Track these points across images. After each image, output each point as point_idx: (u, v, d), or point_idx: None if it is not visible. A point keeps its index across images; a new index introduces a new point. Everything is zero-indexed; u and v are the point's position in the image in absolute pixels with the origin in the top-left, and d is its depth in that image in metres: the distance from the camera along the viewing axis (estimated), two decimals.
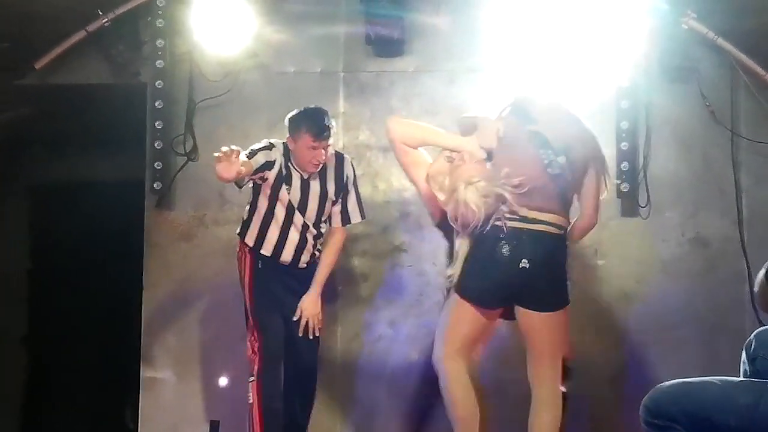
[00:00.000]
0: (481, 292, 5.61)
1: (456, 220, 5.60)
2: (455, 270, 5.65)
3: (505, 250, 5.50)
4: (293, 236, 6.49)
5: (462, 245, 5.63)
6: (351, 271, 7.36)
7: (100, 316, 8.39)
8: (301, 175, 6.48)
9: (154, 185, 7.48)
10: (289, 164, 6.46)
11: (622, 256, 7.20)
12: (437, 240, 7.26)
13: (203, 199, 7.52)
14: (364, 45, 7.46)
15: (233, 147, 5.94)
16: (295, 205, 6.48)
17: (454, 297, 5.67)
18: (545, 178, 5.59)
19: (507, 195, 5.48)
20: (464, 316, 5.64)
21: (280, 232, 6.50)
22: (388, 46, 7.43)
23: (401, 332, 7.30)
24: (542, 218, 5.55)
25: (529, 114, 5.74)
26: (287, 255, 6.51)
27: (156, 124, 7.48)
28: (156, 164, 7.47)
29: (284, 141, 6.48)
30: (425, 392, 7.10)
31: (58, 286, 8.55)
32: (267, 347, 6.48)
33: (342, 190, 6.59)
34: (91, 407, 8.53)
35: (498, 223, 5.51)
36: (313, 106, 6.49)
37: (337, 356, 7.32)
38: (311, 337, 6.51)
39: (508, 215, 5.49)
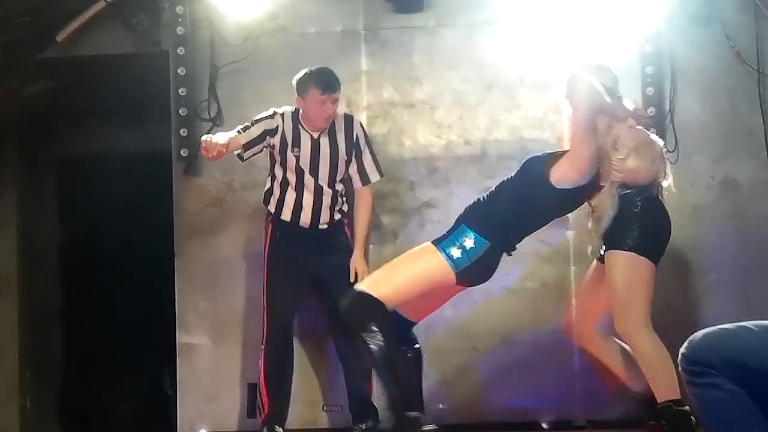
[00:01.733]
0: (660, 248, 5.68)
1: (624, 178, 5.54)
2: (603, 228, 5.55)
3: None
4: (308, 199, 6.64)
5: (605, 205, 5.54)
6: (381, 230, 7.37)
7: (134, 284, 8.43)
8: (311, 135, 6.62)
9: (181, 152, 7.51)
10: (299, 126, 6.62)
11: None
12: (465, 194, 7.26)
13: (230, 164, 7.51)
14: (384, 2, 7.44)
15: (209, 137, 6.25)
16: (305, 168, 6.63)
17: (640, 260, 5.59)
18: None
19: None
20: (652, 277, 5.63)
21: (296, 196, 6.66)
22: (407, 2, 7.41)
23: None
24: None
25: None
26: (305, 218, 6.66)
27: (180, 91, 7.49)
28: (182, 131, 7.49)
29: (292, 108, 6.66)
30: (461, 347, 7.14)
31: (91, 256, 8.59)
32: (273, 318, 6.72)
33: (354, 149, 6.70)
34: (130, 376, 8.59)
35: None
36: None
37: None
38: None
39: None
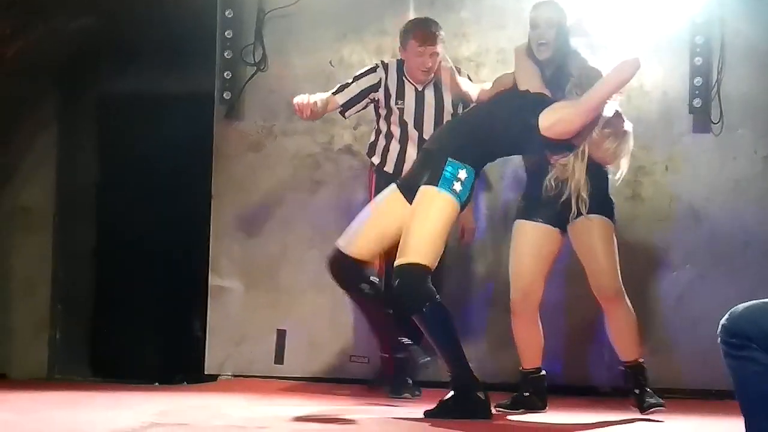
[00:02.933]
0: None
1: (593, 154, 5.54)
2: (584, 194, 5.57)
3: None
4: (411, 152, 6.54)
5: (578, 169, 5.53)
6: None
7: (169, 226, 8.45)
8: (415, 87, 6.61)
9: (224, 95, 7.51)
10: (403, 78, 6.61)
11: (693, 173, 7.14)
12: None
13: (272, 110, 7.53)
14: None
15: (303, 97, 6.11)
16: (410, 120, 6.60)
17: (609, 224, 5.75)
18: None
19: None
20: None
21: (399, 148, 6.64)
22: None
23: None
24: None
25: None
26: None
27: (226, 33, 7.49)
28: (225, 74, 7.49)
29: (397, 59, 6.67)
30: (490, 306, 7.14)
31: (127, 197, 8.61)
32: None
33: (461, 102, 6.57)
34: (160, 316, 8.63)
35: None
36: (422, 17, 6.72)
37: None
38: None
39: None
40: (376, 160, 6.72)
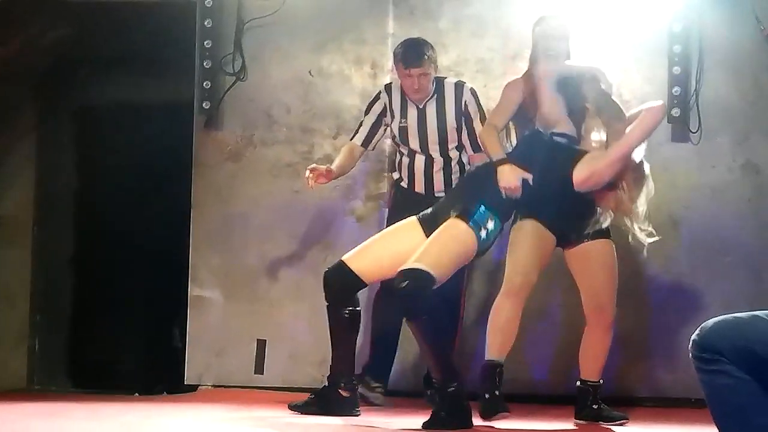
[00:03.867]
0: None
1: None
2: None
3: None
4: (419, 166, 6.77)
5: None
6: None
7: (149, 235, 8.44)
8: (416, 105, 6.73)
9: (203, 105, 7.50)
10: (405, 96, 6.74)
11: (672, 182, 7.16)
12: None
13: (251, 119, 7.53)
14: None
15: (316, 166, 6.47)
16: (414, 137, 6.74)
17: (611, 245, 5.93)
18: None
19: None
20: None
21: (408, 163, 6.81)
22: None
23: None
24: None
25: None
26: (419, 185, 6.80)
27: (205, 43, 7.48)
28: (205, 83, 7.48)
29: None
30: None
31: (106, 206, 8.60)
32: None
33: (463, 116, 6.72)
34: (139, 327, 8.61)
35: None
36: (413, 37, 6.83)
37: None
38: None
39: None
40: (395, 175, 6.94)
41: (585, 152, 5.60)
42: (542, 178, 5.52)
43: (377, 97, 6.85)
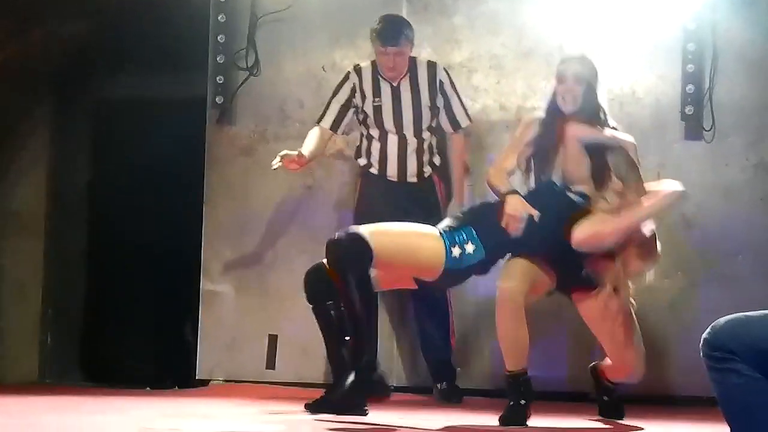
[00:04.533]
0: None
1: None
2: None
3: None
4: (392, 148, 6.70)
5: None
6: None
7: (161, 230, 8.45)
8: (390, 83, 6.68)
9: (216, 99, 7.51)
10: (378, 76, 6.70)
11: (684, 180, 7.05)
12: None
13: (264, 114, 7.54)
14: None
15: (287, 152, 6.36)
16: (388, 116, 6.68)
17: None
18: None
19: None
20: None
21: (380, 146, 6.73)
22: None
23: None
24: None
25: None
26: (392, 169, 6.72)
27: (218, 38, 7.49)
28: (218, 78, 7.49)
29: (371, 59, 6.79)
30: (483, 311, 7.13)
31: (119, 201, 8.61)
32: None
33: (440, 94, 6.72)
34: (151, 321, 8.62)
35: None
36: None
37: None
38: None
39: None
40: (361, 161, 6.83)
41: (588, 211, 5.45)
42: (545, 227, 5.41)
43: (346, 78, 6.79)
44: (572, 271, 5.47)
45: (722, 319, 3.18)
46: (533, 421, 5.39)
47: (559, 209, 5.43)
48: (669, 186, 5.51)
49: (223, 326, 7.49)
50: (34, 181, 8.46)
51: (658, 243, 5.52)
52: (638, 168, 5.57)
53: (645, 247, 5.44)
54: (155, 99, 8.39)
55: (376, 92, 6.69)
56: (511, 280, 5.38)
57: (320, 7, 7.49)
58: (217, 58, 7.49)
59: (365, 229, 5.33)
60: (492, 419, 5.40)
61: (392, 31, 6.57)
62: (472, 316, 7.14)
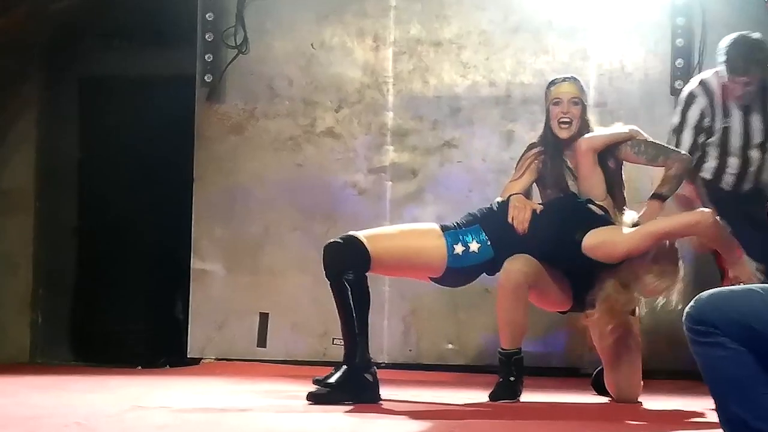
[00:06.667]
0: None
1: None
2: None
3: None
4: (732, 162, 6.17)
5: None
6: (400, 166, 7.36)
7: (151, 207, 8.43)
8: (737, 106, 6.05)
9: (205, 78, 7.51)
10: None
11: None
12: (488, 136, 7.27)
13: (253, 92, 7.53)
14: None
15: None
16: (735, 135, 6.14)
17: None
18: None
19: None
20: None
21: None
22: None
23: None
24: None
25: None
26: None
27: (207, 15, 7.49)
28: (207, 56, 7.49)
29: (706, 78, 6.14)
30: (474, 289, 7.13)
31: (109, 178, 8.59)
32: None
33: None
34: (142, 299, 8.61)
35: None
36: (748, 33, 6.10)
37: None
38: None
39: None
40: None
41: (610, 223, 5.38)
42: (559, 235, 5.36)
43: (694, 98, 6.08)
44: (587, 289, 5.37)
45: (705, 293, 3.19)
46: (524, 397, 5.40)
47: (578, 221, 5.38)
48: (701, 211, 5.39)
49: (214, 304, 7.50)
50: (23, 156, 8.42)
51: (680, 265, 5.34)
52: (659, 143, 5.61)
53: (660, 261, 5.29)
54: (144, 77, 8.37)
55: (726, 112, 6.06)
56: (517, 262, 5.34)
57: None
58: (206, 36, 7.48)
59: (362, 233, 5.32)
60: (482, 395, 5.41)
61: (747, 60, 5.91)
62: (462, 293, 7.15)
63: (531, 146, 5.73)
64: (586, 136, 5.56)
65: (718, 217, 5.34)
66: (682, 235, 5.38)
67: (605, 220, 5.38)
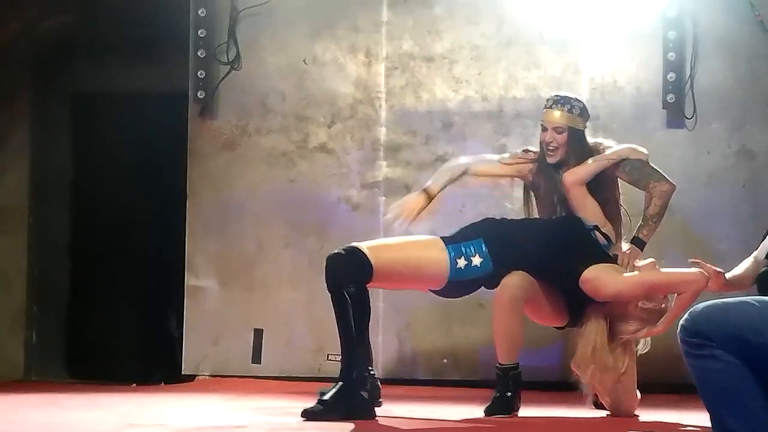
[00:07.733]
0: None
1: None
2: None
3: None
4: None
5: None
6: (394, 181, 7.37)
7: (144, 224, 8.43)
8: None
9: (198, 94, 7.51)
10: None
11: (667, 168, 7.09)
12: (480, 151, 7.24)
13: (246, 108, 7.54)
14: None
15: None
16: None
17: None
18: None
19: None
20: None
21: None
22: None
23: None
24: None
25: None
26: None
27: (199, 32, 7.49)
28: (199, 73, 7.49)
29: None
30: (468, 303, 7.14)
31: (102, 195, 8.58)
32: None
33: None
34: (136, 316, 8.60)
35: None
36: None
37: None
38: None
39: None
40: None
41: (611, 262, 5.39)
42: (561, 260, 5.34)
43: None
44: (583, 306, 5.39)
45: (700, 306, 3.20)
46: (520, 411, 5.39)
47: (579, 244, 5.38)
48: (700, 272, 5.31)
49: (209, 321, 7.49)
50: (16, 173, 8.41)
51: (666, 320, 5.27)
52: (648, 164, 5.60)
53: (650, 312, 5.28)
54: (137, 93, 8.37)
55: None
56: (514, 276, 5.34)
57: (300, 1, 7.48)
58: (198, 53, 7.49)
59: (365, 244, 5.30)
60: (478, 411, 5.40)
61: None
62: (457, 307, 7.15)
63: (527, 151, 5.75)
64: (570, 171, 5.56)
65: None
66: (674, 291, 5.32)
67: (607, 255, 5.38)
